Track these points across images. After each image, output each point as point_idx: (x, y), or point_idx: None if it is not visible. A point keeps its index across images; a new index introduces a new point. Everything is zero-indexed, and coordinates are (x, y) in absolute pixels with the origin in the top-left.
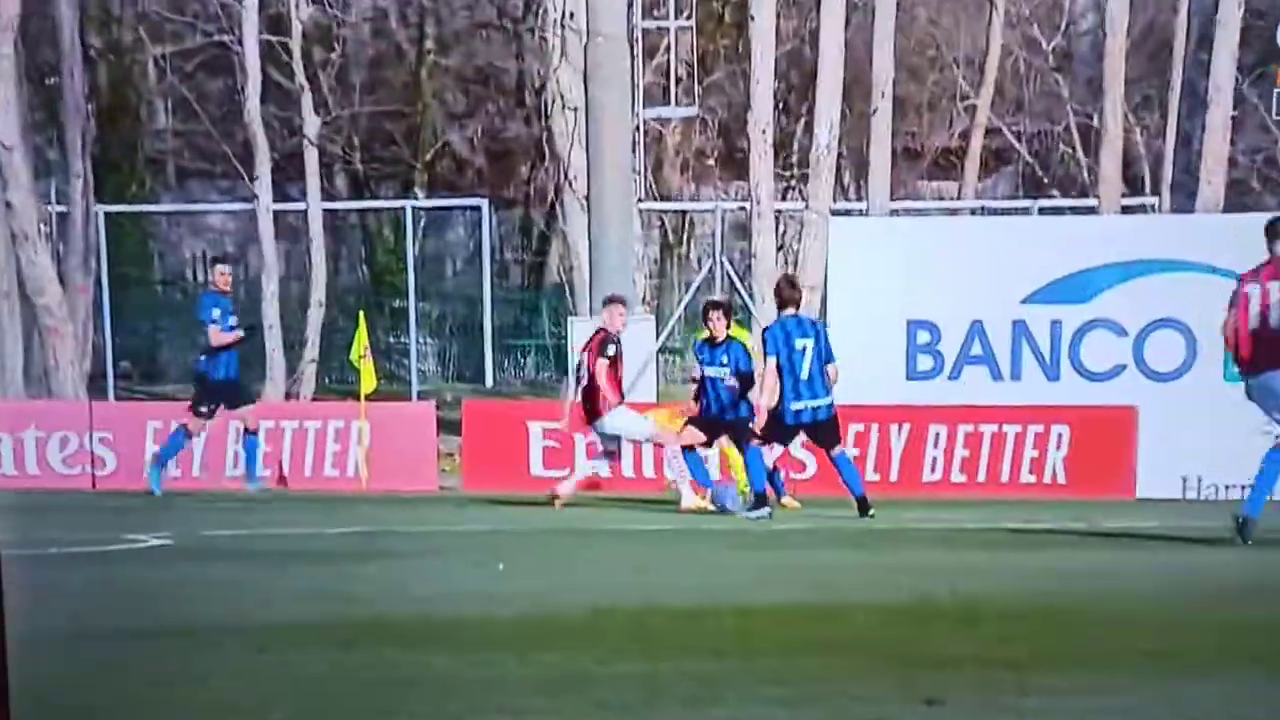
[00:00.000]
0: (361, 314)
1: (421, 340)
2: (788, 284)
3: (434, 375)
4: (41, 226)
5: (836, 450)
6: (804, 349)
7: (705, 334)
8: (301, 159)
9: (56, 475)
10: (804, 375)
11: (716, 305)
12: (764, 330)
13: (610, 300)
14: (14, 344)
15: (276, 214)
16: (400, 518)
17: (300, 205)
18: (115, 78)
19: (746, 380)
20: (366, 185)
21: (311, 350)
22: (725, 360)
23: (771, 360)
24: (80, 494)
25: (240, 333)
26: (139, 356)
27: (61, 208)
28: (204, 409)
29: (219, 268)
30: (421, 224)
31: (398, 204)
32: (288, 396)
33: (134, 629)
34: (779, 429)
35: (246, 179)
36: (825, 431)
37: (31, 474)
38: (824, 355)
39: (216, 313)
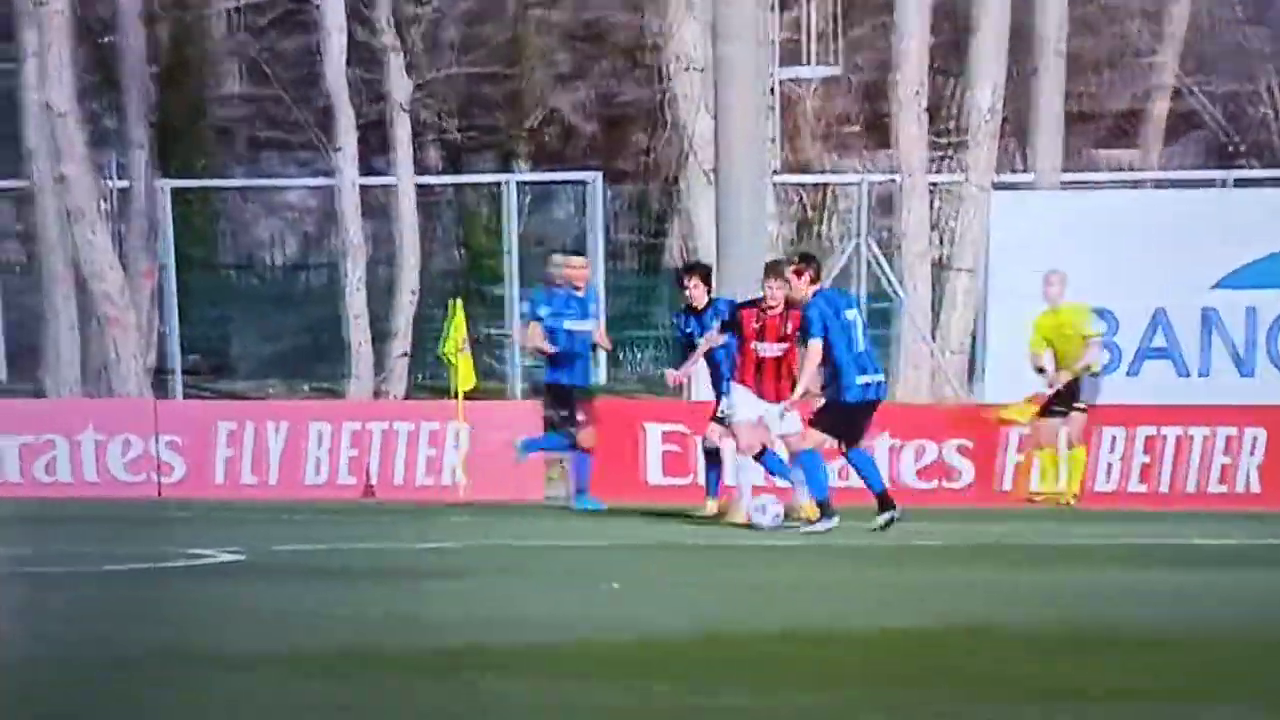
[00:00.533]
0: (458, 302)
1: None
2: (808, 259)
3: (539, 371)
4: (99, 203)
5: (859, 446)
6: (854, 319)
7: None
8: (389, 128)
9: (117, 482)
10: (861, 347)
11: (693, 269)
12: (805, 309)
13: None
14: (70, 335)
15: (362, 190)
16: (500, 531)
17: (388, 180)
18: (179, 35)
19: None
20: (462, 157)
21: (402, 343)
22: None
23: (816, 343)
24: (143, 503)
25: (551, 347)
26: (209, 349)
27: (122, 182)
28: (562, 415)
29: (567, 259)
30: (525, 200)
31: (497, 178)
32: (376, 395)
33: (195, 653)
34: (840, 413)
35: (327, 150)
36: (870, 416)
37: (89, 480)
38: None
39: (545, 311)
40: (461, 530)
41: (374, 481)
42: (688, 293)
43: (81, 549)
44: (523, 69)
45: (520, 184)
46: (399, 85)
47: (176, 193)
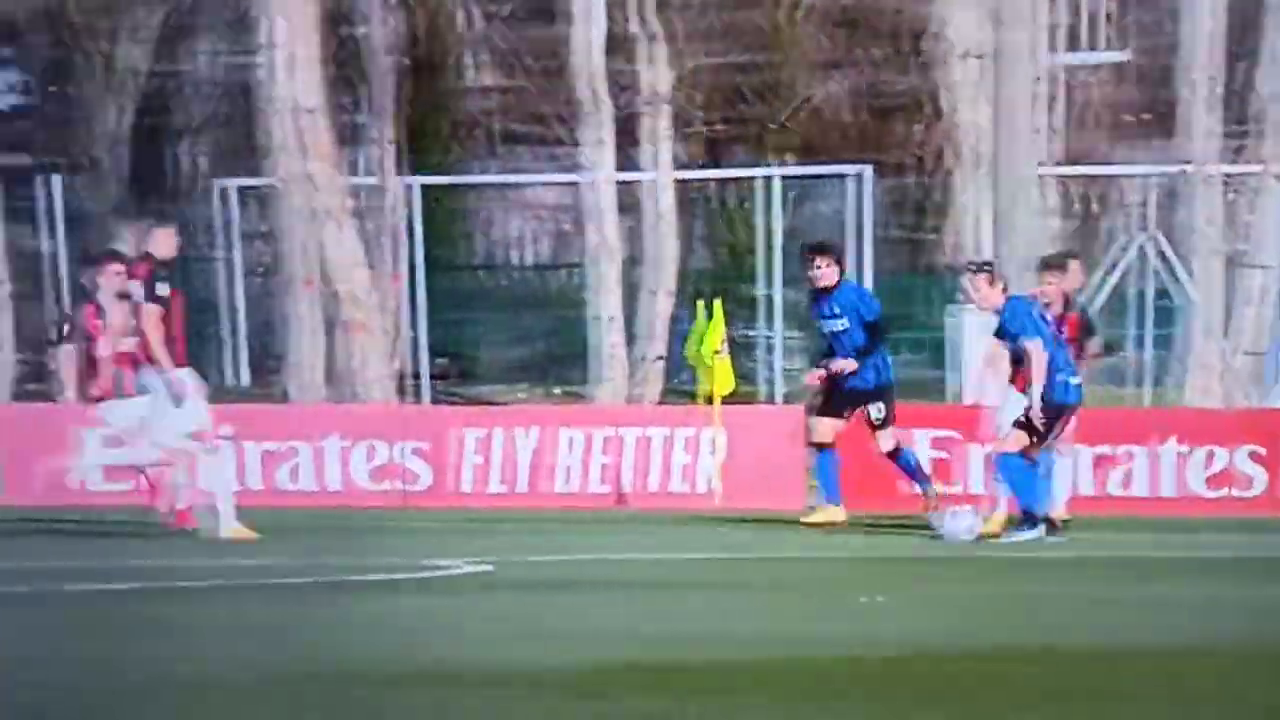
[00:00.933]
0: (718, 303)
1: (786, 333)
2: (991, 265)
3: (800, 375)
4: (346, 202)
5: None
6: (1050, 320)
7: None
8: (645, 121)
9: (361, 491)
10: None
11: (820, 248)
12: (1006, 312)
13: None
14: (314, 339)
15: (617, 185)
16: (756, 541)
17: (645, 175)
18: (429, 26)
19: (874, 330)
20: (722, 151)
21: (657, 345)
22: (837, 309)
23: (1038, 341)
24: (388, 512)
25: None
26: (457, 353)
27: (369, 180)
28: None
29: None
30: (790, 196)
31: (759, 172)
32: (629, 400)
33: (436, 669)
34: (1052, 413)
35: (582, 145)
36: (1070, 418)
37: (333, 489)
38: None
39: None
40: (716, 541)
41: (626, 490)
42: (815, 273)
43: (322, 560)
44: (787, 57)
45: (783, 178)
46: (658, 76)
47: (425, 190)
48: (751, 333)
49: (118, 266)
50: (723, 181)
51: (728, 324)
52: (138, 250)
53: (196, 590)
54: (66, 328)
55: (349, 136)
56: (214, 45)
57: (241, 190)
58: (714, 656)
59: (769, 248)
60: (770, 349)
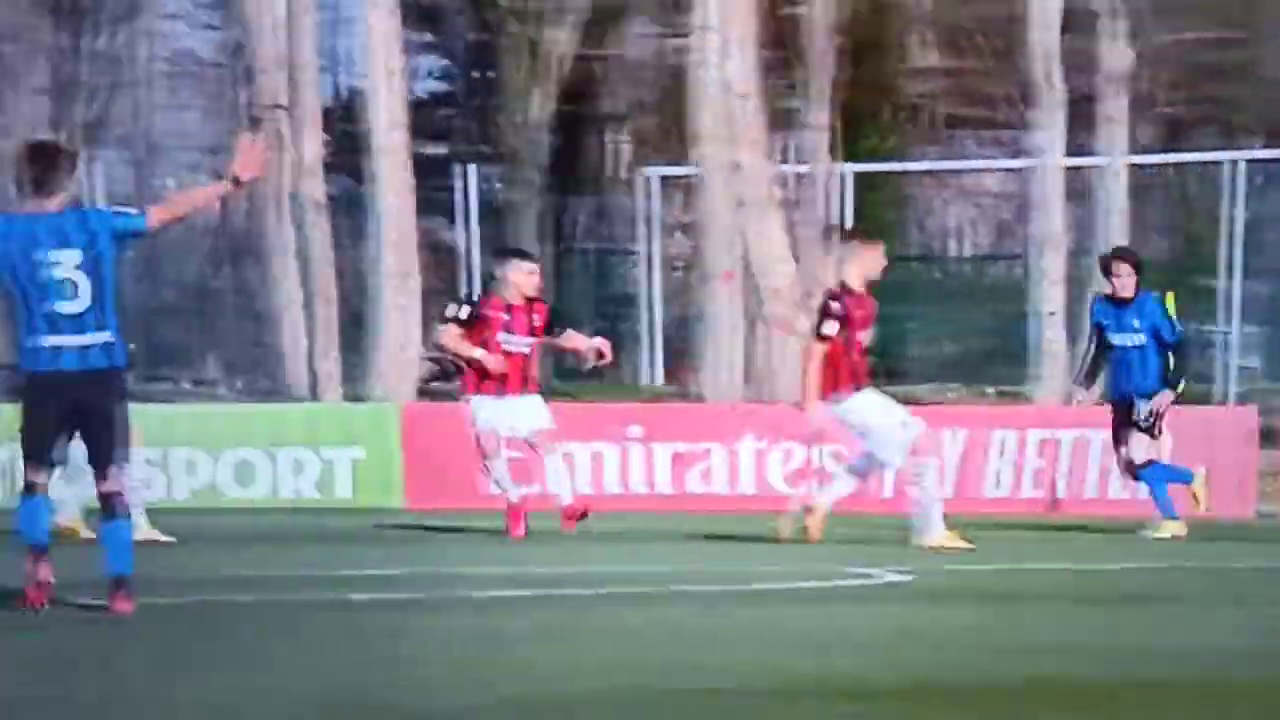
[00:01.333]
0: (1171, 296)
1: (1244, 328)
2: None
3: (1257, 373)
4: (774, 191)
5: None
6: None
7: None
8: (1100, 102)
9: (775, 495)
10: None
11: (1123, 255)
12: None
13: None
14: (731, 336)
15: (1067, 171)
16: (1194, 550)
17: (1099, 160)
18: (872, 4)
19: (1167, 348)
20: (1183, 133)
21: None
22: (1138, 323)
23: None
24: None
25: None
26: (885, 350)
27: (800, 167)
28: None
29: None
30: (1256, 181)
31: (1221, 156)
32: (1068, 400)
33: (832, 682)
34: None
35: (1030, 128)
36: None
37: (745, 493)
38: None
39: None
40: (1155, 551)
41: (1061, 495)
42: (1116, 281)
43: (731, 567)
44: (1261, 32)
45: (1248, 162)
46: (1117, 54)
47: (860, 178)
48: (1206, 328)
49: (530, 266)
50: (1181, 166)
51: (1182, 319)
52: (837, 275)
53: (598, 598)
54: (466, 311)
55: (781, 121)
56: (644, 28)
57: (664, 180)
58: (1129, 672)
59: (1230, 237)
60: (1226, 346)
